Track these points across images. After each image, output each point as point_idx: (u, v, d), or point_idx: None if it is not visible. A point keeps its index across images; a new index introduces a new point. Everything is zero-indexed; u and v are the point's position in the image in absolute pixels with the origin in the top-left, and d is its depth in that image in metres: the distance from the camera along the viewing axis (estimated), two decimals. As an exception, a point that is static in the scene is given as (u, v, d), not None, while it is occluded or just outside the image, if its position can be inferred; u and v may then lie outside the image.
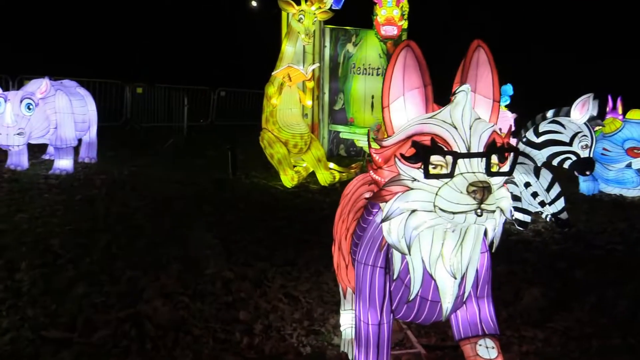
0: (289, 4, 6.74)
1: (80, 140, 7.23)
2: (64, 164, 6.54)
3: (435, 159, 1.51)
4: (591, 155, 4.84)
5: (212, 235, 4.44)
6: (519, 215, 5.10)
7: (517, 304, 3.26)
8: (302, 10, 6.71)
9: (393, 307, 1.85)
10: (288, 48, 6.99)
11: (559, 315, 3.11)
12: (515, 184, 5.08)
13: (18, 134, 5.62)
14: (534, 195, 4.94)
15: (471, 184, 1.45)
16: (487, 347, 1.87)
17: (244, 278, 3.54)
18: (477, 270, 1.82)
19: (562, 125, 4.93)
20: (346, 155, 9.65)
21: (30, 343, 2.62)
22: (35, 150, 7.32)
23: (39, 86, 6.00)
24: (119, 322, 2.84)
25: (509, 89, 9.93)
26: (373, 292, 1.84)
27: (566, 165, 4.93)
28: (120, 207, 5.27)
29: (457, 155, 1.48)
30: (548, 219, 5.31)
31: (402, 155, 1.56)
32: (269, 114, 6.99)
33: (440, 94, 1.70)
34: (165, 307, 3.05)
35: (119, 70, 12.50)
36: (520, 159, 5.16)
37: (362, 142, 8.83)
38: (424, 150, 1.49)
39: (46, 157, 7.11)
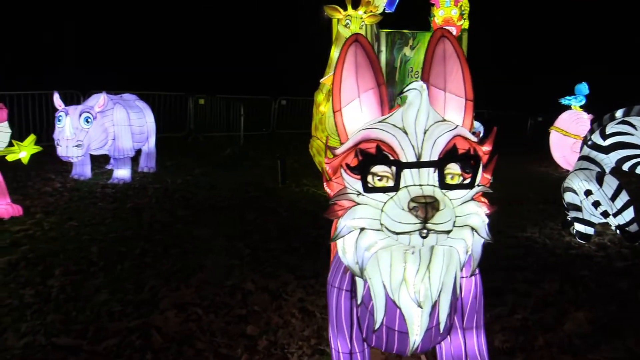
0: (335, 10, 6.66)
1: (139, 151, 7.57)
2: (122, 173, 6.87)
3: (379, 169, 1.29)
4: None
5: (245, 244, 4.41)
6: (579, 227, 4.59)
7: (559, 329, 2.88)
8: (348, 16, 6.60)
9: (363, 335, 1.65)
10: (336, 54, 6.90)
11: (607, 344, 2.69)
12: (575, 192, 4.59)
13: (76, 146, 5.96)
14: (596, 204, 4.41)
15: (412, 200, 1.21)
16: (472, 386, 1.61)
17: (265, 290, 3.45)
18: (461, 297, 1.57)
19: (634, 126, 4.44)
20: None
21: (42, 349, 2.67)
22: (101, 161, 7.76)
23: (98, 100, 6.36)
24: (129, 331, 2.85)
25: (584, 87, 9.12)
26: (340, 317, 1.65)
27: (638, 170, 4.42)
28: (165, 215, 5.40)
29: (401, 165, 1.26)
30: (618, 232, 4.73)
31: (347, 166, 1.36)
32: (318, 122, 6.94)
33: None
34: (177, 318, 3.02)
35: (183, 82, 13.05)
36: (584, 164, 4.69)
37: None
38: (363, 160, 1.29)
39: (109, 167, 7.50)
